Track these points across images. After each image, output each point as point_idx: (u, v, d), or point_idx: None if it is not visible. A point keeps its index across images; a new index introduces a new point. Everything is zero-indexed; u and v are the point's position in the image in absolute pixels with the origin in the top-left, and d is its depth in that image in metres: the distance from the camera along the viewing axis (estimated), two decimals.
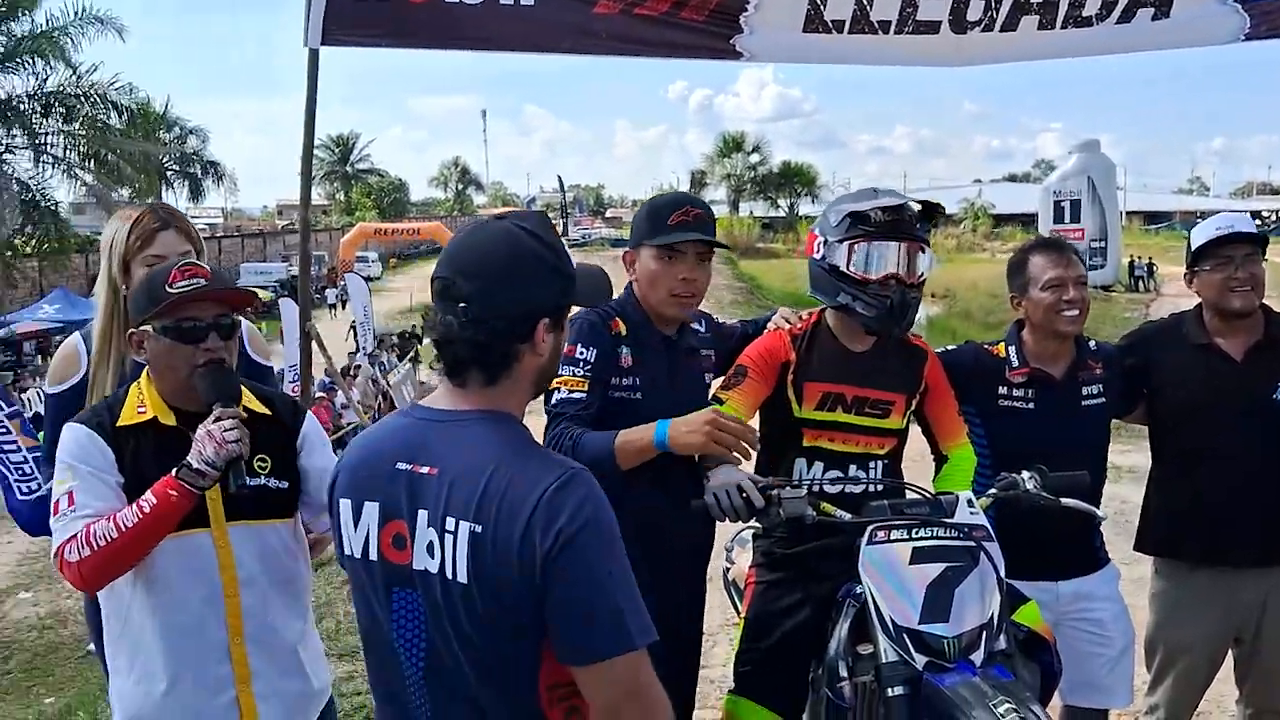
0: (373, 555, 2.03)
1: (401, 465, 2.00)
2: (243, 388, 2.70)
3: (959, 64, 4.32)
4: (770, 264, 49.76)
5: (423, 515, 1.95)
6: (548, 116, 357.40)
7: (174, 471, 2.48)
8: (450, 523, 1.91)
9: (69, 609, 11.64)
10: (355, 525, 2.05)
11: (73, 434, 2.60)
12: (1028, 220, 55.05)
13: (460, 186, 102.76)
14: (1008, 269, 3.60)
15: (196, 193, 41.00)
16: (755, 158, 69.75)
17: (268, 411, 2.73)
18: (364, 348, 22.23)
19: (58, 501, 2.53)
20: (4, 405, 10.58)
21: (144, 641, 2.61)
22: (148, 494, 2.47)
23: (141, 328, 2.61)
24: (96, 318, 3.06)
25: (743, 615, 3.40)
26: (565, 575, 1.85)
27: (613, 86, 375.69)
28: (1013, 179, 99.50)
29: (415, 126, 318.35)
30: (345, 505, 2.08)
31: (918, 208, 3.21)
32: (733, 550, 3.88)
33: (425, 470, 1.97)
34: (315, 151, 4.97)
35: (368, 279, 30.65)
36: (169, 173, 37.66)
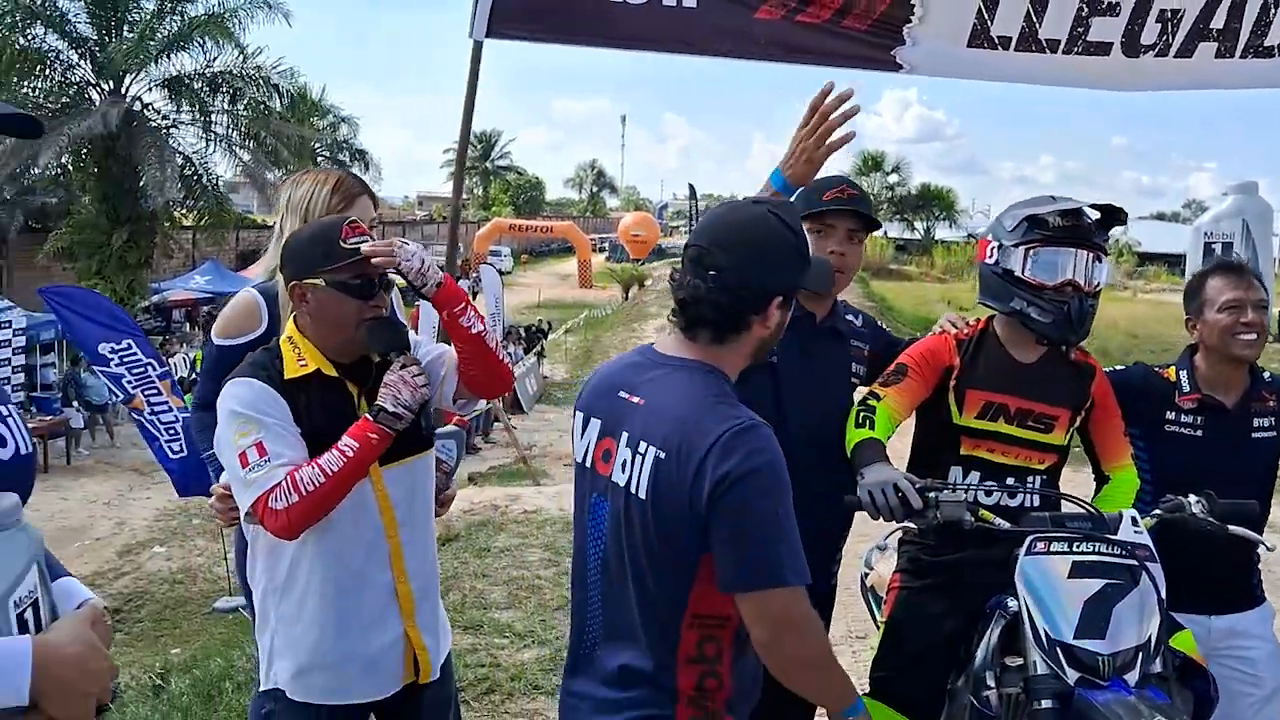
0: (588, 463, 2.40)
1: (621, 393, 2.34)
2: None
3: (1128, 89, 4.19)
4: (902, 286, 48.91)
5: (624, 436, 2.29)
6: (683, 124, 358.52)
7: (371, 415, 2.56)
8: (642, 445, 2.23)
9: (199, 566, 12.16)
10: (582, 435, 2.43)
11: (248, 388, 2.61)
12: (1174, 261, 53.08)
13: (595, 189, 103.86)
14: (1185, 291, 3.51)
15: None
16: (894, 178, 68.35)
17: None
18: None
19: (244, 453, 2.53)
20: (156, 366, 11.06)
21: (314, 589, 2.67)
22: (345, 439, 2.53)
23: (307, 281, 2.64)
24: None
25: (882, 620, 3.36)
26: (729, 511, 2.11)
27: (751, 96, 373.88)
28: (1160, 218, 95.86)
29: (554, 128, 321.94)
30: (579, 417, 2.46)
31: (1096, 215, 3.15)
32: (872, 557, 3.83)
33: (636, 400, 2.30)
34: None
35: (500, 272, 31.13)
36: (320, 158, 38.75)
